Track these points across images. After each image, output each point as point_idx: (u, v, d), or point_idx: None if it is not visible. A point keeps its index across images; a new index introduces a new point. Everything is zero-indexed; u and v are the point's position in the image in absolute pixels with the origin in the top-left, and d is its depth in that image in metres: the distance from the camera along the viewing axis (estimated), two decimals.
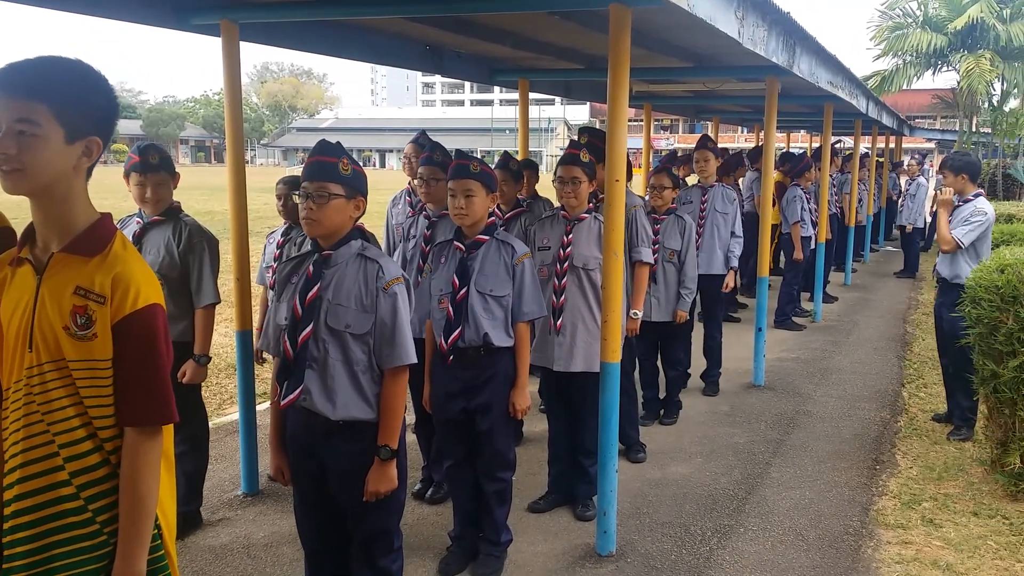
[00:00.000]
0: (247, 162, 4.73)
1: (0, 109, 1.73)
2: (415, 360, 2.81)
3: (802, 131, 24.94)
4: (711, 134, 14.10)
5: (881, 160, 16.87)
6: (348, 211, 2.77)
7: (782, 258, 10.56)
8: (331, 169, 2.73)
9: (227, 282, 4.51)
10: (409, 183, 5.05)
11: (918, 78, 22.52)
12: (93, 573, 1.84)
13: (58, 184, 1.79)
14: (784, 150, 18.02)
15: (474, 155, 3.92)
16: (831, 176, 10.97)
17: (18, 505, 1.82)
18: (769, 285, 7.35)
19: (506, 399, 3.70)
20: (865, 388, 6.99)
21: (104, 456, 1.84)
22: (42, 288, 1.81)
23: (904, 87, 22.60)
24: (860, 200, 13.53)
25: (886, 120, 12.65)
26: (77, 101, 1.77)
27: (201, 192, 26.61)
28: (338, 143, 2.86)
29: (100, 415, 1.82)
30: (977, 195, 5.81)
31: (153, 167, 3.91)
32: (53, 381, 1.80)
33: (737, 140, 56.20)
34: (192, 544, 4.03)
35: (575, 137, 4.87)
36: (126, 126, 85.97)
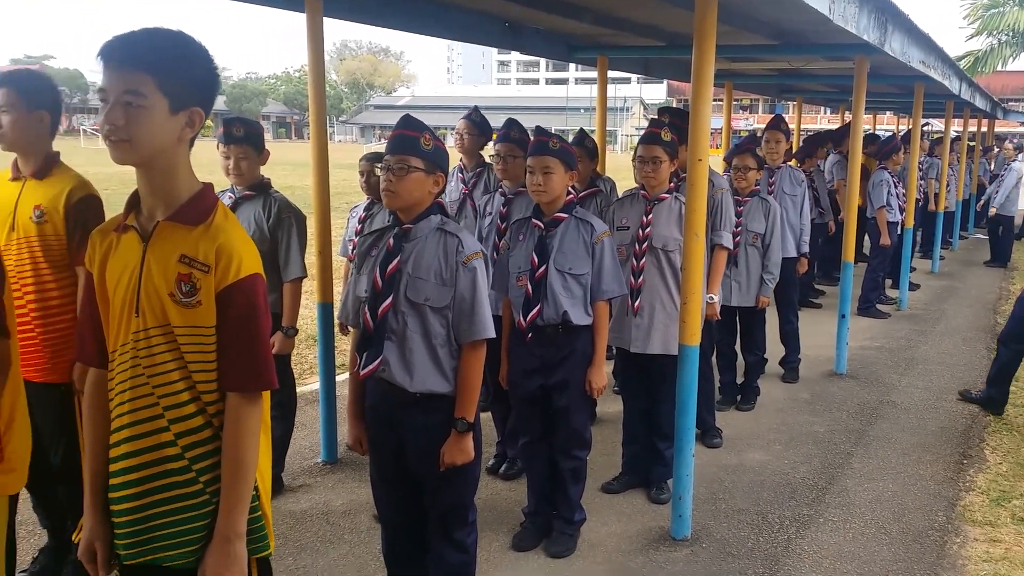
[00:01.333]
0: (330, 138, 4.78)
1: (108, 81, 1.77)
2: (493, 334, 2.82)
3: (888, 112, 24.18)
4: (793, 115, 13.79)
5: (972, 144, 16.21)
6: (427, 185, 2.78)
7: (866, 243, 10.25)
8: (412, 143, 2.75)
9: (308, 255, 4.58)
10: (460, 160, 5.05)
11: (1014, 59, 21.53)
12: (194, 531, 1.89)
13: (163, 154, 1.83)
14: (869, 132, 17.49)
15: (554, 132, 3.89)
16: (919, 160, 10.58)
17: (125, 463, 1.88)
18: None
19: (583, 377, 3.69)
20: (953, 379, 6.75)
21: (207, 419, 1.89)
22: (148, 255, 1.86)
23: (998, 68, 21.62)
24: (948, 185, 13.03)
25: (979, 102, 12.12)
26: (180, 72, 1.80)
27: (282, 167, 27.11)
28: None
29: (203, 380, 1.87)
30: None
31: (236, 139, 3.97)
32: (159, 345, 1.85)
33: (820, 121, 54.80)
34: (273, 508, 4.11)
35: (652, 116, 4.80)
36: None
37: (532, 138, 3.80)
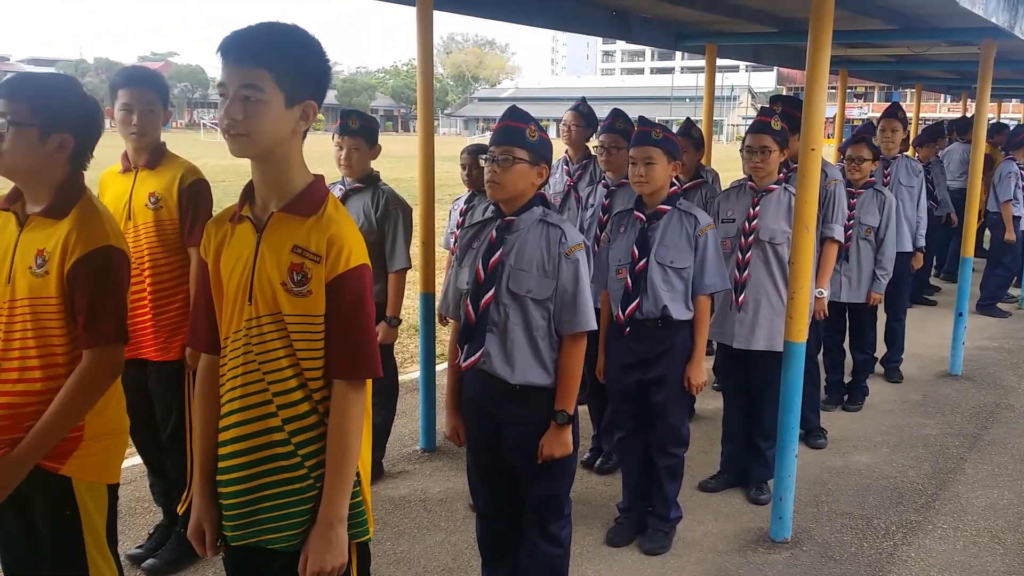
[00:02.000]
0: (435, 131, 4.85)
1: (227, 76, 1.82)
2: (595, 327, 2.81)
3: (1015, 100, 22.87)
4: (913, 102, 13.19)
5: None
6: (531, 177, 2.78)
7: (986, 238, 9.73)
8: (518, 134, 2.75)
9: (412, 246, 4.67)
10: (566, 151, 5.03)
11: None
12: (298, 515, 1.96)
13: (278, 147, 1.89)
14: (994, 121, 16.57)
15: (658, 122, 3.84)
16: None
17: (234, 447, 1.96)
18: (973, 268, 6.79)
19: (682, 373, 3.64)
20: None
21: (313, 405, 1.94)
22: (262, 245, 1.92)
23: None
24: None
25: None
26: (296, 66, 1.85)
27: (388, 160, 27.66)
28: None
29: (311, 367, 1.92)
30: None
31: (351, 131, 4.08)
32: (270, 333, 1.91)
33: (939, 109, 52.27)
34: (374, 494, 4.21)
35: (761, 105, 4.69)
36: None
37: (635, 128, 3.76)
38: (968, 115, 10.63)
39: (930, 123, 10.11)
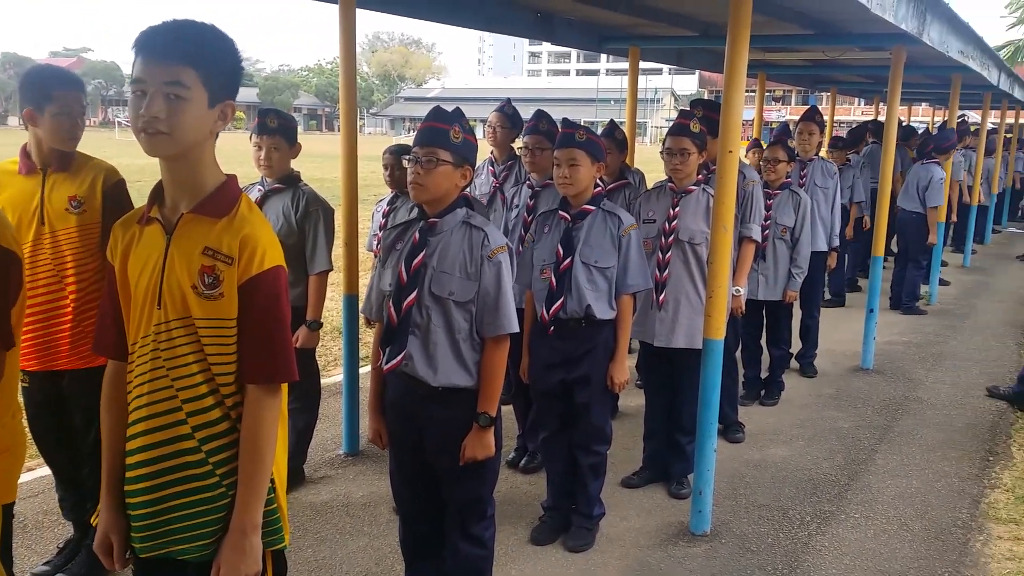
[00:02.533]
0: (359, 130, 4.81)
1: (148, 72, 1.75)
2: (517, 329, 2.82)
3: (924, 104, 23.77)
4: (828, 105, 13.60)
5: (1009, 136, 15.90)
6: (455, 178, 2.77)
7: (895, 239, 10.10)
8: (442, 135, 2.74)
9: (335, 247, 4.62)
10: (491, 152, 5.05)
11: None
12: (210, 524, 1.91)
13: (196, 147, 1.84)
14: (904, 124, 17.21)
15: (582, 124, 3.88)
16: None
17: (142, 456, 1.90)
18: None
19: (605, 372, 3.68)
20: (981, 375, 6.66)
21: (225, 412, 1.90)
22: (171, 247, 1.87)
23: None
24: (985, 178, 12.80)
25: (1018, 93, 11.87)
26: (219, 66, 1.81)
27: (312, 159, 27.29)
28: (456, 109, 2.86)
29: (222, 372, 1.88)
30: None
31: (269, 130, 4.00)
32: (180, 338, 1.86)
33: (853, 113, 54.04)
34: (295, 499, 4.18)
35: (683, 108, 4.77)
36: (244, 94, 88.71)
37: (560, 130, 3.79)
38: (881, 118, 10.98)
39: (855, 126, 10.42)
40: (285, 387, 1.97)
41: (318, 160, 26.94)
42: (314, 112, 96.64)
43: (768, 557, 3.77)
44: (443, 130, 2.75)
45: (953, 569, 3.72)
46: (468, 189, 2.90)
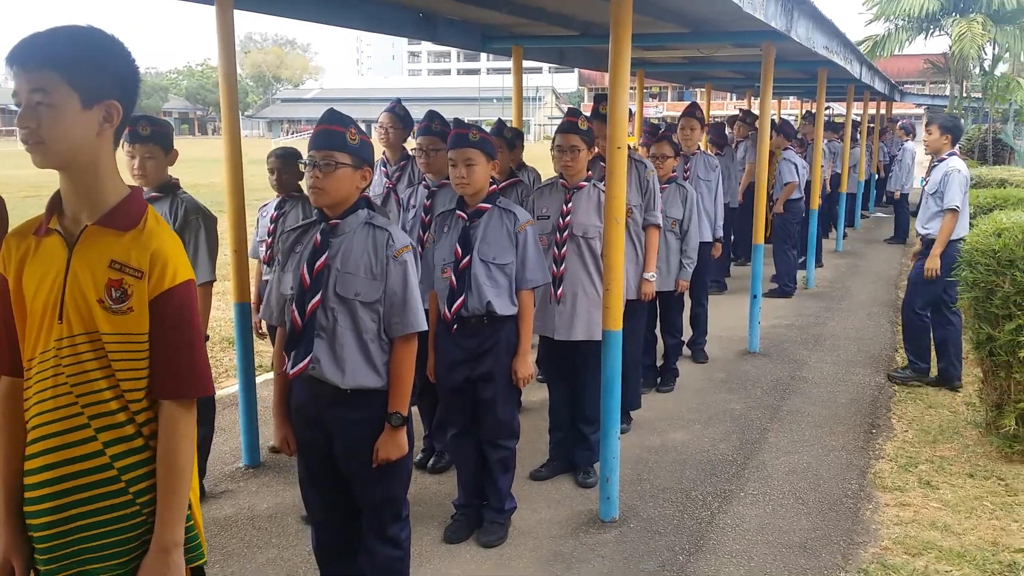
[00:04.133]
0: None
1: (18, 84, 1.72)
2: (426, 327, 2.82)
3: (792, 97, 24.92)
4: (703, 101, 14.09)
5: (872, 126, 16.86)
6: (355, 180, 2.76)
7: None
8: (339, 138, 2.71)
9: (223, 255, 4.48)
10: (383, 153, 5.01)
11: (910, 43, 22.41)
12: (124, 542, 1.84)
13: (83, 153, 1.77)
14: (773, 116, 17.98)
15: (474, 124, 3.89)
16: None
17: (44, 475, 1.81)
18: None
19: (509, 367, 3.71)
20: (859, 353, 7.04)
21: (137, 428, 1.84)
22: (73, 260, 1.79)
23: (896, 52, 22.50)
24: (852, 166, 13.54)
25: (878, 85, 12.62)
26: (88, 64, 1.74)
27: (188, 164, 26.33)
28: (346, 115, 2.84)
29: (132, 388, 1.82)
30: (951, 155, 6.11)
31: (142, 138, 3.84)
32: (86, 353, 1.79)
33: (727, 107, 56.06)
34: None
35: (567, 105, 4.86)
36: None
37: (452, 130, 3.80)
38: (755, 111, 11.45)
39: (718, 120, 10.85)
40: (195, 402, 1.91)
41: (193, 164, 26.01)
42: (185, 116, 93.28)
43: (675, 538, 3.88)
44: (340, 133, 2.73)
45: (847, 536, 3.92)
46: (366, 191, 2.88)
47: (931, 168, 6.22)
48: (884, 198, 17.51)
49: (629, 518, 4.06)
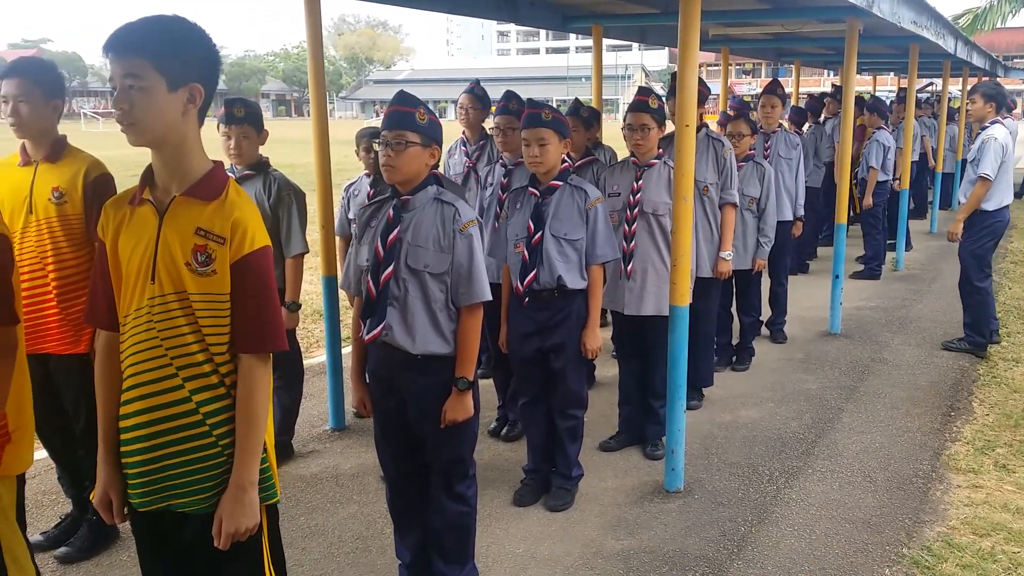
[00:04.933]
0: (330, 115, 4.91)
1: (113, 70, 1.93)
2: (490, 297, 2.96)
3: (891, 73, 24.08)
4: (793, 78, 13.79)
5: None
6: (424, 158, 2.92)
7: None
8: (409, 118, 2.88)
9: (312, 231, 4.74)
10: (463, 133, 5.17)
11: (1014, 15, 21.34)
12: (208, 479, 2.07)
13: (171, 132, 1.98)
14: (869, 94, 17.43)
15: (547, 103, 4.01)
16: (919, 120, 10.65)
17: (138, 419, 2.05)
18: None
19: (578, 339, 3.84)
20: (945, 336, 6.88)
21: (220, 378, 2.05)
22: (164, 227, 2.02)
23: (998, 25, 21.45)
24: (948, 145, 13.08)
25: (977, 60, 12.14)
26: (173, 50, 1.93)
27: (283, 145, 27.17)
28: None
29: (216, 342, 2.03)
30: (994, 122, 6.20)
31: (237, 119, 4.10)
32: (175, 310, 2.01)
33: (824, 84, 54.33)
34: (285, 473, 4.33)
35: (639, 85, 4.90)
36: None
37: (525, 110, 3.93)
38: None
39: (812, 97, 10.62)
40: (272, 359, 2.11)
41: (289, 145, 26.82)
42: (282, 98, 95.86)
43: (739, 510, 3.96)
44: (409, 113, 2.90)
45: (914, 515, 3.93)
46: (444, 169, 3.04)
47: (975, 136, 6.32)
48: None
49: (694, 489, 4.15)
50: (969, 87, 15.53)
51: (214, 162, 2.09)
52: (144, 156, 1.96)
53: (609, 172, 4.58)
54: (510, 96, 4.69)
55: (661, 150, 4.45)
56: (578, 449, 4.04)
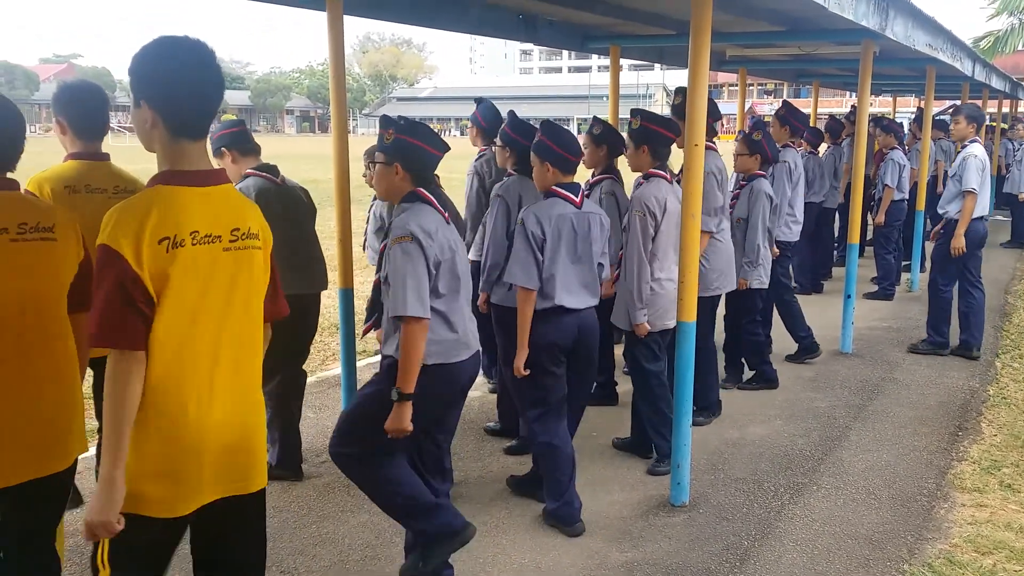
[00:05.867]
0: (349, 132, 5.04)
1: None
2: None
3: (912, 95, 24.03)
4: (812, 98, 13.84)
5: (993, 125, 16.16)
6: (390, 175, 3.13)
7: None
8: (380, 139, 3.18)
9: (331, 246, 4.89)
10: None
11: None
12: None
13: (147, 144, 2.17)
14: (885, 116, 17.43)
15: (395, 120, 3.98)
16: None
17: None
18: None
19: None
20: (956, 357, 6.90)
21: None
22: None
23: (1019, 48, 21.41)
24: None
25: (996, 83, 12.15)
26: (132, 68, 2.12)
27: (307, 161, 27.49)
28: (399, 116, 3.24)
29: None
30: (973, 141, 6.72)
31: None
32: None
33: (845, 104, 54.21)
34: (297, 482, 4.42)
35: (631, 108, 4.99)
36: (236, 96, 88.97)
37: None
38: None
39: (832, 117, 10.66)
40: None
41: (313, 161, 27.13)
42: (307, 114, 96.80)
43: (743, 524, 4.01)
44: (380, 135, 3.19)
45: (916, 533, 3.97)
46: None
47: (956, 154, 6.83)
48: (1004, 200, 16.76)
49: (699, 504, 4.21)
50: (989, 110, 15.52)
51: (155, 177, 2.13)
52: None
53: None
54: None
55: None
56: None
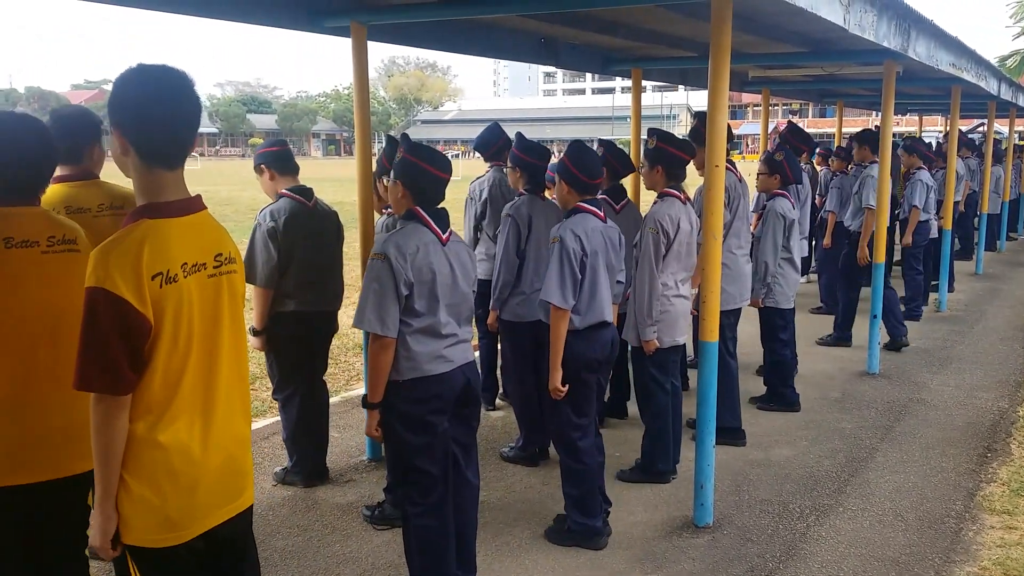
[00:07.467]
0: (374, 154, 5.11)
1: None
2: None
3: (939, 115, 23.87)
4: (836, 118, 13.81)
5: (1021, 144, 16.02)
6: (394, 192, 3.29)
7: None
8: (391, 157, 3.34)
9: (355, 268, 4.94)
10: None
11: None
12: None
13: (123, 170, 2.26)
14: (912, 135, 17.31)
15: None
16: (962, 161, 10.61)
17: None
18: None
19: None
20: (986, 378, 6.83)
21: None
22: None
23: None
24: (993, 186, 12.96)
25: (1023, 102, 12.05)
26: (111, 93, 2.14)
27: (332, 184, 27.75)
28: (403, 135, 3.46)
29: None
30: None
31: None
32: None
33: (871, 124, 53.99)
34: (321, 500, 4.46)
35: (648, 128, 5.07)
36: (262, 120, 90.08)
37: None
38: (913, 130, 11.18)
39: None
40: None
41: (338, 184, 27.38)
42: (332, 137, 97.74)
43: (767, 546, 3.99)
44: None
45: (944, 555, 3.92)
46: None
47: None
48: None
49: (723, 525, 4.18)
50: (1016, 129, 15.38)
51: (137, 211, 2.11)
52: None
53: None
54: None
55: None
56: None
